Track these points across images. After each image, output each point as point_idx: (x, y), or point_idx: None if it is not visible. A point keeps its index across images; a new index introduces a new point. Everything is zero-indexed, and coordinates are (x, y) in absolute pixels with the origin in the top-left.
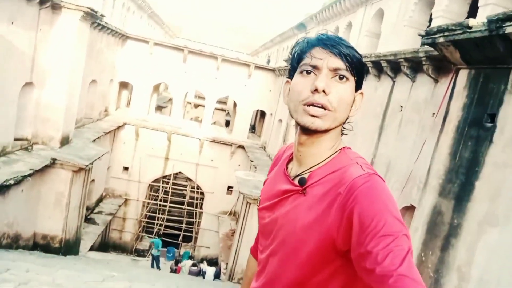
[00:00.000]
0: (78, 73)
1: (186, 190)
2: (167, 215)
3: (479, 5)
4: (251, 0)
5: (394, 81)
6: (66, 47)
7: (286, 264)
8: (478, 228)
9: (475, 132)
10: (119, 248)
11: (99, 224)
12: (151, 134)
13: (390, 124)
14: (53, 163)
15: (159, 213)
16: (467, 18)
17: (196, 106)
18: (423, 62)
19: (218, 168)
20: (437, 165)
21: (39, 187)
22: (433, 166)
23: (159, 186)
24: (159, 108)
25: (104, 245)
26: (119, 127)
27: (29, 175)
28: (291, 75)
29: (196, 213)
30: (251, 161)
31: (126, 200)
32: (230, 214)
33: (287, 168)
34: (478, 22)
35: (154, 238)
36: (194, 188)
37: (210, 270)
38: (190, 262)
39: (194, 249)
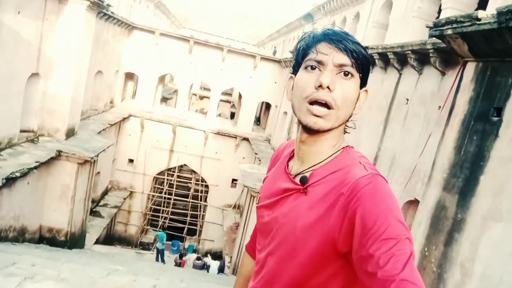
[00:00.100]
0: (84, 63)
1: (190, 182)
2: (172, 208)
3: None
4: None
5: (400, 74)
6: (72, 37)
7: (286, 264)
8: (482, 223)
9: (481, 126)
10: (124, 241)
11: (104, 217)
12: (156, 126)
13: (396, 117)
14: (58, 155)
15: (163, 206)
16: (476, 9)
17: (202, 97)
18: (431, 55)
19: (223, 161)
20: (441, 159)
21: (45, 180)
22: (438, 160)
23: (164, 179)
24: (164, 99)
25: (109, 238)
26: (124, 119)
27: (35, 167)
28: (295, 70)
29: (200, 206)
30: (256, 153)
31: (131, 192)
32: (234, 207)
33: (287, 166)
34: (487, 14)
35: (159, 231)
36: (198, 181)
37: (214, 264)
38: (194, 255)
39: (199, 242)
